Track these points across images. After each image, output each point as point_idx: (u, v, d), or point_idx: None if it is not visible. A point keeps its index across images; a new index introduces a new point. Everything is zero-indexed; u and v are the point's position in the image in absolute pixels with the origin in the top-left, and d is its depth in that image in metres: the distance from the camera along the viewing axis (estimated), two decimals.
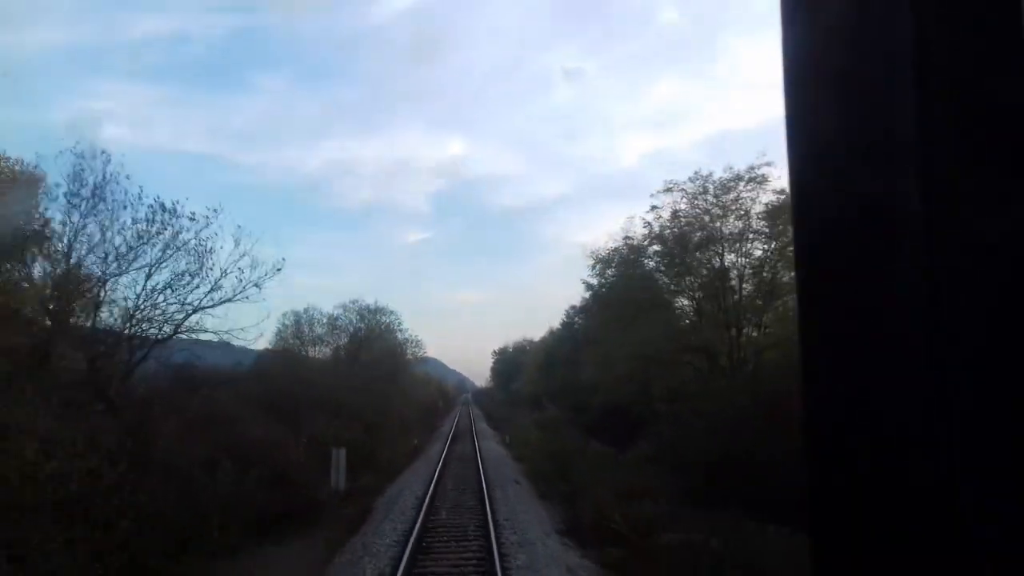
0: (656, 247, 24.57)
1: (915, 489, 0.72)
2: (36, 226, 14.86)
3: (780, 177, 22.19)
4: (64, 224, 12.91)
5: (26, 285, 12.86)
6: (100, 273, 12.90)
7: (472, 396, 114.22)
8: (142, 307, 13.08)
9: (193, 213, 13.88)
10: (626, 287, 25.37)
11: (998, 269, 0.68)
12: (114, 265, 12.81)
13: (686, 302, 24.50)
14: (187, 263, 13.55)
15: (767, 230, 23.00)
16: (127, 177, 13.32)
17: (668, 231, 24.02)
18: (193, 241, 13.65)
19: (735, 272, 23.15)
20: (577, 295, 33.37)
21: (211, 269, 13.97)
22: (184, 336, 14.03)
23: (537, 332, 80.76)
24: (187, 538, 9.82)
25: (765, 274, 22.90)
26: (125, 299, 13.19)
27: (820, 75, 0.82)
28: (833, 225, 0.80)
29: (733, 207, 23.06)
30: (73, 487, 8.55)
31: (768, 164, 22.10)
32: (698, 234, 23.45)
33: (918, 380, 0.71)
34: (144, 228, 13.20)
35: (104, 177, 13.13)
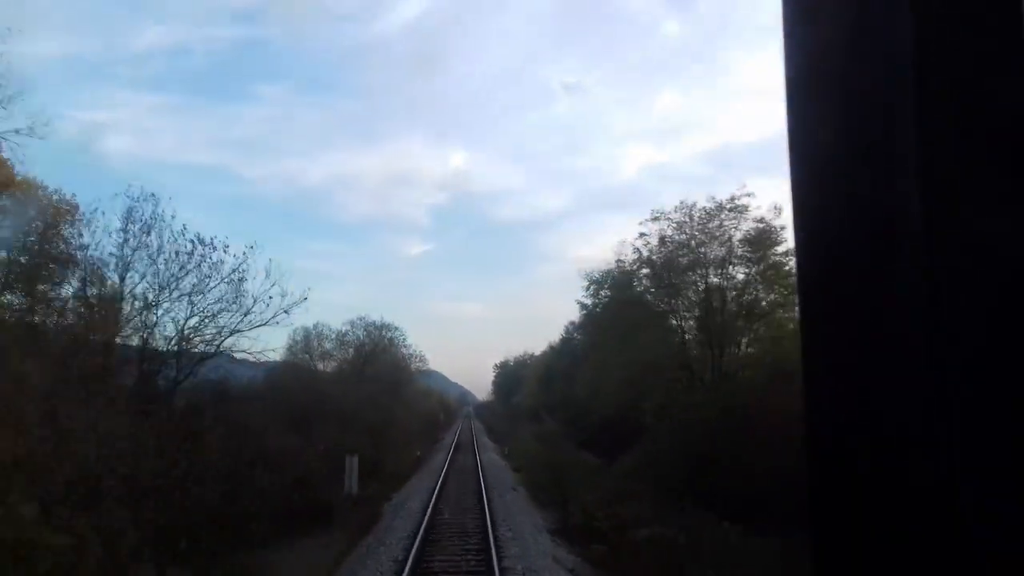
0: (645, 270, 26.58)
1: (915, 489, 0.72)
2: (74, 251, 16.92)
3: (759, 207, 24.31)
4: (119, 255, 14.96)
5: (83, 309, 14.87)
6: (150, 298, 14.96)
7: (473, 409, 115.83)
8: (187, 330, 15.12)
9: (227, 246, 15.97)
10: (618, 308, 27.35)
11: (998, 269, 0.68)
12: (163, 292, 14.86)
13: (673, 322, 26.35)
14: (224, 291, 15.60)
15: (749, 255, 25.02)
16: (172, 216, 15.40)
17: (656, 256, 26.02)
18: (229, 271, 15.70)
19: (718, 294, 25.09)
20: (577, 310, 35.24)
21: (244, 297, 16.02)
22: (224, 354, 16.09)
23: (539, 345, 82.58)
24: (234, 528, 11.74)
25: (746, 297, 24.87)
26: (174, 321, 15.25)
27: (821, 79, 0.83)
28: (834, 226, 0.81)
29: (716, 234, 25.07)
30: (144, 481, 10.49)
31: (748, 195, 24.21)
32: (684, 259, 25.43)
33: (918, 380, 0.72)
34: (185, 259, 15.24)
35: (153, 216, 15.19)
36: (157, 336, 15.19)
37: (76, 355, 11.42)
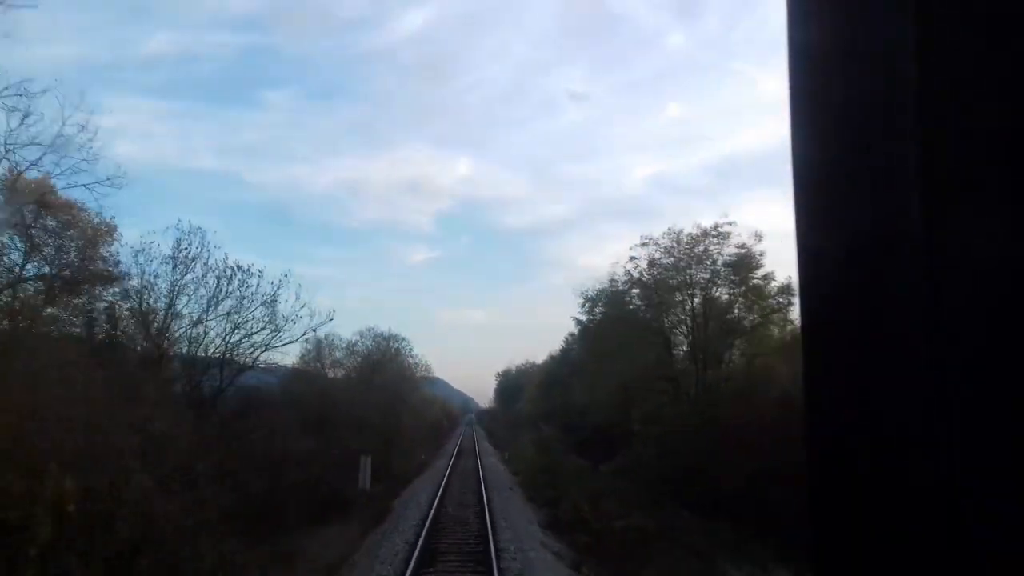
0: (636, 290, 29.10)
1: (915, 489, 0.72)
2: (111, 268, 19.53)
3: (740, 234, 26.81)
4: (171, 280, 17.57)
5: (131, 324, 17.45)
6: (195, 317, 17.55)
7: (476, 416, 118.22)
8: (229, 344, 17.70)
9: (261, 271, 18.57)
10: (610, 324, 29.87)
11: (998, 269, 0.68)
12: (207, 312, 17.46)
13: (662, 339, 28.82)
14: (261, 313, 18.26)
15: (732, 277, 27.52)
16: (216, 247, 18.01)
17: (647, 277, 28.53)
18: (263, 294, 18.34)
19: (703, 314, 27.56)
20: (573, 324, 37.77)
21: (277, 317, 18.69)
22: (260, 366, 18.71)
23: (541, 353, 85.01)
24: (273, 514, 14.23)
25: (729, 316, 27.35)
26: (219, 335, 17.87)
27: (823, 82, 0.85)
28: (834, 227, 0.82)
29: (702, 258, 27.58)
30: (201, 470, 13.00)
31: (730, 223, 26.75)
32: (672, 280, 27.93)
33: (918, 380, 0.72)
34: (226, 283, 17.84)
35: (199, 247, 17.82)
36: (202, 349, 17.78)
37: (149, 368, 13.94)
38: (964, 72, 0.72)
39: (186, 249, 18.01)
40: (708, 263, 27.39)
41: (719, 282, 27.82)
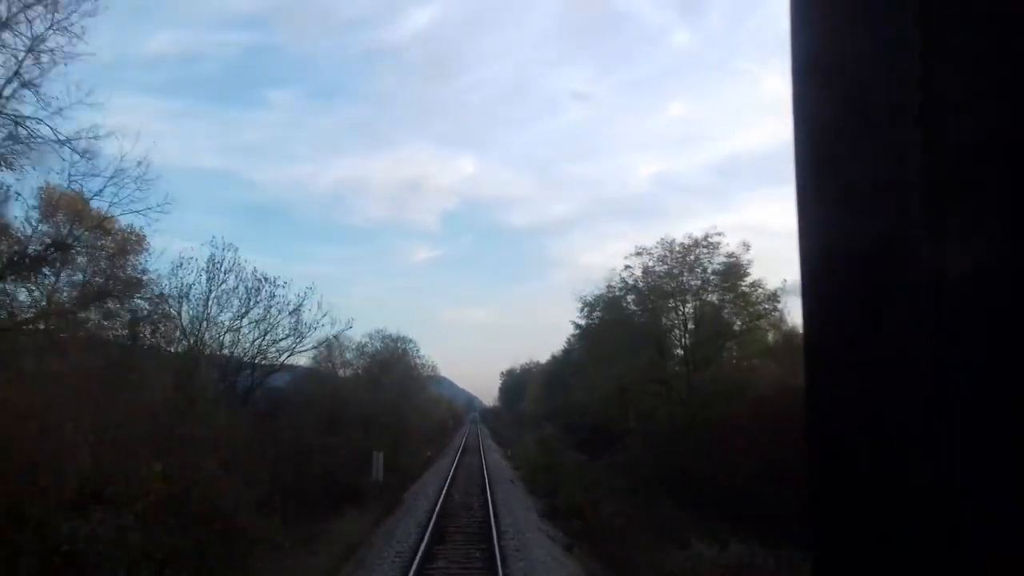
0: (631, 296, 31.15)
1: (915, 489, 0.73)
2: (140, 276, 21.67)
3: (729, 244, 28.82)
4: (207, 290, 19.77)
5: (178, 334, 19.63)
6: (227, 324, 19.75)
7: (480, 415, 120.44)
8: (257, 350, 19.92)
9: (286, 283, 20.74)
10: (607, 328, 31.93)
11: (998, 270, 0.68)
12: (238, 320, 19.67)
13: (655, 343, 30.86)
14: (287, 321, 20.53)
15: (721, 284, 29.55)
16: (245, 260, 20.19)
17: (641, 284, 30.59)
18: (287, 304, 20.56)
19: (694, 319, 29.60)
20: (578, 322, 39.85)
21: (301, 324, 20.95)
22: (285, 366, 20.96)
23: (545, 352, 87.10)
24: (302, 500, 16.34)
25: (718, 322, 29.36)
26: (251, 341, 20.10)
27: (826, 82, 0.86)
28: (836, 228, 0.83)
29: (694, 266, 29.60)
30: (242, 458, 15.11)
31: (719, 234, 28.81)
32: (666, 287, 29.97)
33: (918, 380, 0.73)
34: (254, 293, 20.04)
35: (231, 263, 20.03)
36: (234, 353, 19.98)
37: (192, 371, 16.08)
38: (965, 73, 0.72)
39: (219, 262, 20.19)
40: (699, 271, 29.46)
41: (710, 289, 29.87)
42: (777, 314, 29.16)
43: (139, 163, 16.35)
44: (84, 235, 15.82)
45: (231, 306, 19.81)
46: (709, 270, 29.43)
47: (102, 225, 16.68)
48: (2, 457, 7.57)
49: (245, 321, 19.97)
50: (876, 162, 0.79)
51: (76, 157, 14.88)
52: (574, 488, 23.31)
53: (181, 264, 20.10)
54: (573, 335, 48.63)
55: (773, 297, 28.82)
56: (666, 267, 29.97)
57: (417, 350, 51.56)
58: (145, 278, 21.58)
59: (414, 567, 12.03)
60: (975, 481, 0.69)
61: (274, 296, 20.37)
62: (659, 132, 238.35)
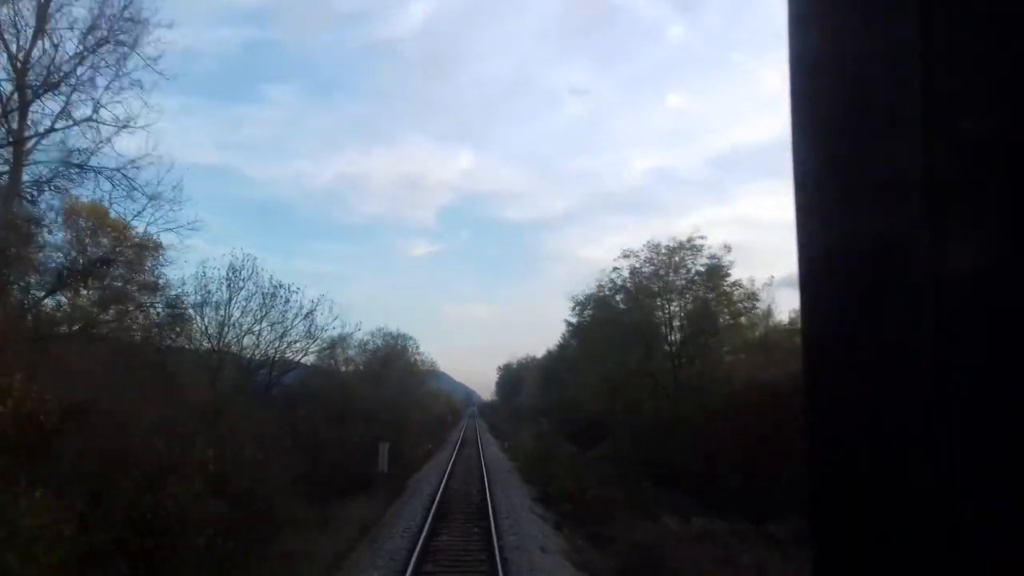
0: (620, 296, 33.23)
1: (915, 489, 0.73)
2: (156, 280, 23.72)
3: (711, 246, 30.87)
4: (229, 297, 21.87)
5: (201, 336, 21.69)
6: (245, 326, 21.85)
7: (478, 409, 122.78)
8: (275, 350, 22.03)
9: (299, 288, 22.85)
10: (598, 326, 34.02)
11: (999, 269, 0.69)
12: (257, 323, 21.77)
13: (643, 339, 32.93)
14: (300, 324, 22.66)
15: (704, 283, 31.62)
16: (263, 269, 22.26)
17: (629, 284, 32.67)
18: (301, 308, 22.68)
19: (679, 317, 31.69)
20: (565, 326, 41.91)
21: (315, 327, 23.10)
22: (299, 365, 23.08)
23: (541, 346, 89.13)
24: (317, 485, 18.40)
25: (701, 320, 31.42)
26: (267, 341, 22.23)
27: (825, 80, 0.86)
28: (836, 228, 0.83)
29: (678, 267, 31.68)
30: (271, 448, 17.16)
31: (702, 237, 30.86)
32: (653, 286, 32.04)
33: (918, 380, 0.73)
34: (270, 299, 22.13)
35: (250, 272, 22.11)
36: (254, 354, 22.12)
37: (216, 371, 18.13)
38: (965, 73, 0.72)
39: (239, 271, 22.31)
40: (683, 272, 31.54)
41: (694, 288, 31.95)
42: (758, 311, 31.32)
43: (174, 187, 18.46)
44: (127, 251, 17.81)
45: (250, 311, 21.95)
46: (693, 271, 31.53)
47: (141, 243, 18.68)
48: (98, 444, 9.61)
49: (265, 323, 22.15)
50: (876, 162, 0.79)
51: (119, 181, 16.95)
52: (565, 476, 25.44)
53: (204, 274, 22.14)
54: (566, 332, 50.74)
55: (752, 296, 30.98)
56: (653, 268, 32.06)
57: (417, 347, 53.77)
58: (162, 282, 23.77)
59: (421, 539, 14.12)
60: (975, 481, 0.69)
61: (288, 301, 22.52)
62: (657, 126, 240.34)
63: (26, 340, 11.69)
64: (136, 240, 18.49)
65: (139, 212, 18.02)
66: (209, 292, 21.82)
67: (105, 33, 15.61)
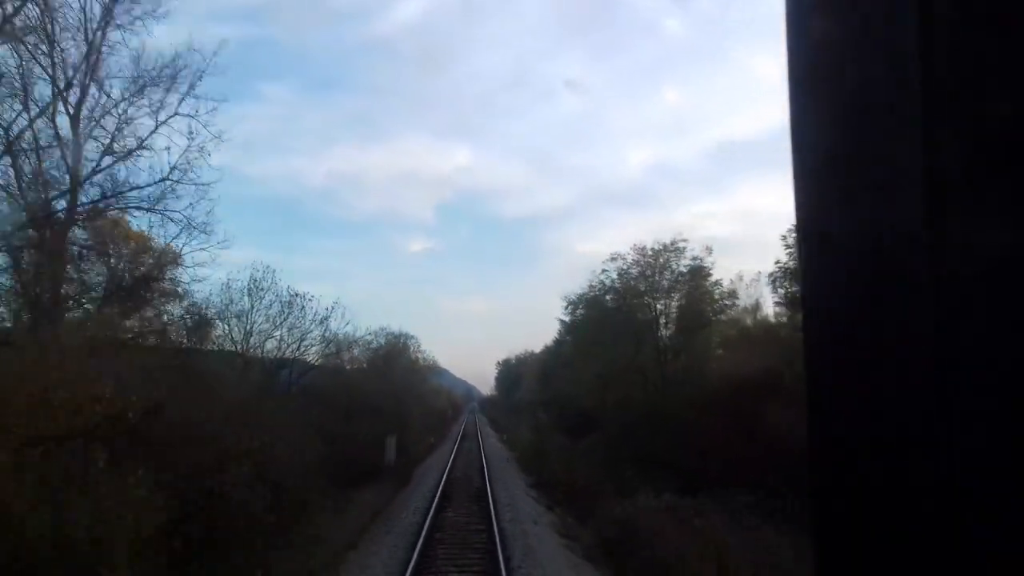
0: (609, 296, 35.79)
1: (915, 489, 0.74)
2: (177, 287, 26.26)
3: (694, 249, 33.39)
4: (251, 306, 24.44)
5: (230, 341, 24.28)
6: (266, 331, 24.43)
7: (478, 404, 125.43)
8: (296, 352, 24.68)
9: (313, 296, 25.41)
10: (590, 325, 36.58)
11: (1000, 268, 0.69)
12: (276, 329, 24.36)
13: (632, 337, 35.48)
14: (316, 330, 25.24)
15: (688, 282, 34.18)
16: (281, 279, 24.83)
17: (618, 284, 35.23)
18: (316, 315, 25.28)
19: (665, 315, 34.24)
20: (563, 319, 44.48)
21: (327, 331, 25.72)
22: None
23: (540, 341, 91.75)
24: (328, 476, 20.96)
25: (685, 318, 33.98)
26: (287, 344, 24.86)
27: (824, 78, 0.86)
28: (836, 225, 0.84)
29: (663, 268, 34.21)
30: (297, 440, 19.69)
31: (684, 241, 33.37)
32: (639, 287, 34.60)
33: (919, 380, 0.73)
34: (287, 307, 24.71)
35: (269, 282, 24.67)
36: (275, 354, 24.78)
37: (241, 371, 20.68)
38: (965, 73, 0.72)
39: (259, 281, 24.90)
40: (668, 273, 34.08)
41: (678, 287, 34.50)
42: (737, 308, 33.89)
43: (207, 212, 20.95)
44: (167, 271, 20.32)
45: (270, 317, 24.57)
46: (677, 271, 34.08)
47: (177, 261, 21.16)
48: (171, 435, 12.17)
49: (284, 328, 24.82)
50: (876, 162, 0.79)
51: (158, 213, 19.42)
52: (558, 465, 28.04)
53: (227, 283, 24.72)
54: (560, 331, 53.25)
55: (732, 294, 33.55)
56: (640, 269, 34.61)
57: (418, 345, 56.44)
58: (181, 289, 26.35)
59: (431, 514, 16.72)
60: (975, 481, 0.69)
61: (304, 308, 25.13)
62: (653, 119, 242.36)
63: (110, 349, 14.20)
64: (158, 251, 20.87)
65: (175, 236, 20.45)
66: (232, 301, 24.39)
67: (151, 78, 17.94)
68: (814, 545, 0.85)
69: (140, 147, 17.00)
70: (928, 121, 0.73)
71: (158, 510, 10.55)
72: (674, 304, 34.11)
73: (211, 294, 24.81)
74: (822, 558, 0.85)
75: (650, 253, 34.08)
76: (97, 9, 17.21)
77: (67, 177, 17.92)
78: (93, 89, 17.97)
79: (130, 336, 18.99)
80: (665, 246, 33.81)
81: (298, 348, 25.35)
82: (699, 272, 33.76)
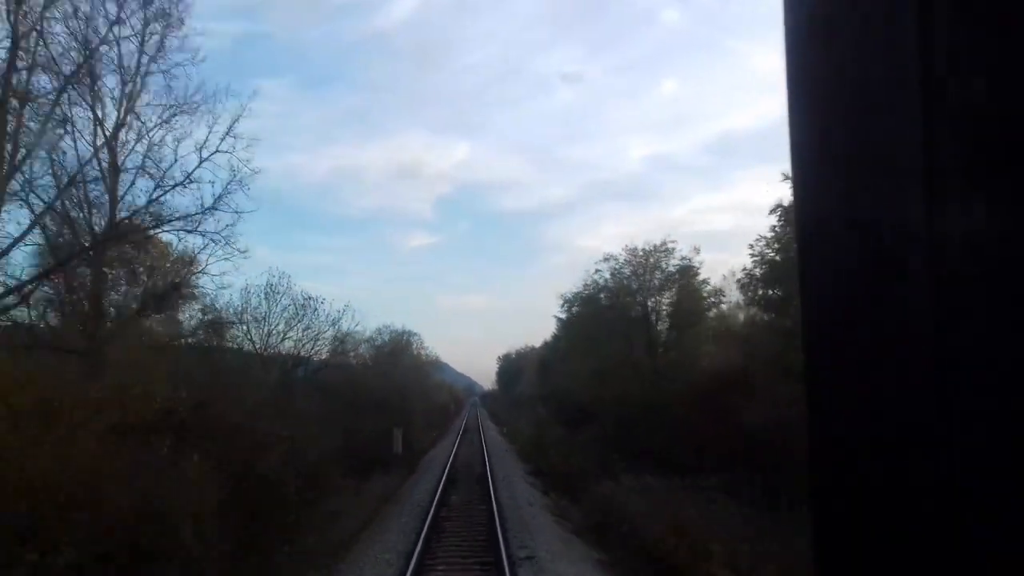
0: (603, 294, 38.10)
1: (915, 489, 0.74)
2: (194, 289, 28.59)
3: (682, 249, 35.68)
4: (266, 309, 26.81)
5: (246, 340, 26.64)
6: (281, 330, 26.86)
7: (479, 399, 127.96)
8: (310, 351, 27.14)
9: (324, 299, 27.76)
10: (585, 322, 38.91)
11: (1000, 269, 0.69)
12: (291, 330, 26.78)
13: (624, 334, 37.77)
14: (329, 331, 27.68)
15: (677, 281, 36.47)
16: (295, 285, 27.15)
17: (611, 283, 37.55)
18: (327, 317, 27.69)
19: (655, 313, 36.56)
20: (559, 316, 46.84)
21: (339, 332, 28.14)
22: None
23: (540, 336, 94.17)
24: (352, 462, 23.31)
25: (675, 316, 36.28)
26: (301, 343, 27.30)
27: (822, 75, 0.86)
28: (836, 223, 0.84)
29: (654, 268, 36.51)
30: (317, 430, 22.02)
31: (673, 242, 35.65)
32: (631, 286, 36.91)
33: (920, 380, 0.74)
34: (301, 309, 27.10)
35: (284, 287, 27.06)
36: (293, 351, 27.28)
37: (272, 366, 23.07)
38: (965, 72, 0.72)
39: (275, 286, 27.30)
40: (658, 273, 36.38)
41: (668, 286, 36.80)
42: (724, 305, 36.21)
43: (227, 226, 23.21)
44: (192, 279, 22.64)
45: (284, 318, 26.99)
46: (667, 271, 36.38)
47: (204, 271, 23.43)
48: (221, 426, 14.52)
49: (300, 329, 27.29)
50: (876, 159, 0.79)
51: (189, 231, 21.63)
52: (555, 455, 30.41)
53: (246, 288, 27.08)
54: (558, 328, 55.52)
55: (719, 292, 35.85)
56: (631, 269, 36.91)
57: (421, 342, 58.88)
58: (197, 291, 28.72)
59: (437, 495, 19.10)
60: (975, 481, 0.70)
61: (316, 311, 27.58)
62: (652, 113, 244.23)
63: (158, 351, 16.54)
64: (175, 256, 23.10)
65: (202, 248, 22.70)
66: (250, 305, 26.76)
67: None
68: (814, 545, 0.87)
69: (187, 181, 19.07)
70: (928, 121, 0.74)
71: (219, 488, 12.89)
72: (665, 302, 36.43)
73: (231, 298, 27.17)
74: (822, 558, 0.86)
75: (641, 253, 36.40)
76: (134, 60, 19.17)
77: (113, 206, 20.17)
78: (135, 123, 20.15)
79: (168, 340, 21.23)
80: (655, 247, 36.14)
81: (312, 347, 27.85)
82: (688, 271, 36.05)
